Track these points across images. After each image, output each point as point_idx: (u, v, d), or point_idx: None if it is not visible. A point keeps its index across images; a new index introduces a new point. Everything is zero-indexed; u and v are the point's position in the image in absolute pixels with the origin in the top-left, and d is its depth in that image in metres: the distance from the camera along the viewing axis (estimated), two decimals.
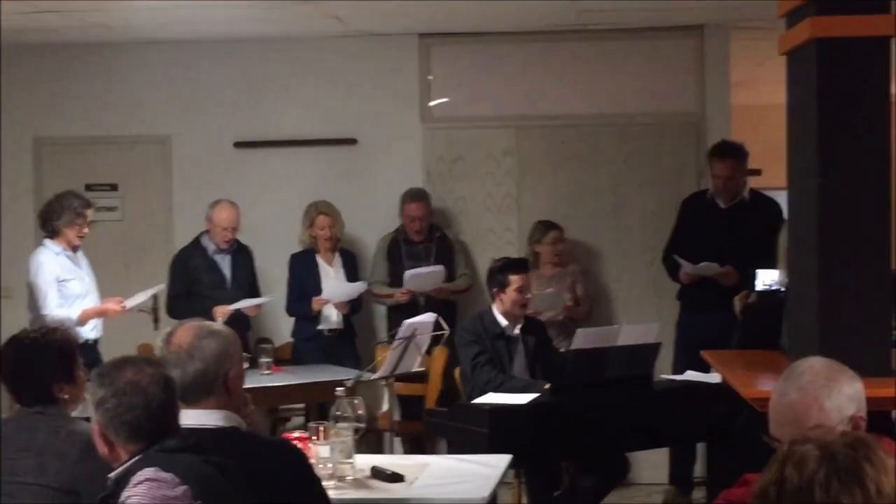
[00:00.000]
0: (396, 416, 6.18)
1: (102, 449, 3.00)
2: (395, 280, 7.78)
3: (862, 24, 4.56)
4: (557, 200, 8.23)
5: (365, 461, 4.62)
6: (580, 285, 7.87)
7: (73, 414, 3.90)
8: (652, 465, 7.65)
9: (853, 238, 4.66)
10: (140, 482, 2.83)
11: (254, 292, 7.65)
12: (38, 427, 3.73)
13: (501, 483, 4.65)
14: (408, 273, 7.57)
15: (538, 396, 6.00)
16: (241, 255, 7.66)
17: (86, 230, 7.07)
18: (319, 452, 4.47)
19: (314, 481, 3.57)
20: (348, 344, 7.81)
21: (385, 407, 6.59)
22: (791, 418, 2.92)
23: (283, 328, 8.03)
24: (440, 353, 6.97)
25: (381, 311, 8.24)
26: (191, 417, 3.24)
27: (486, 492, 4.37)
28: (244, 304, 7.33)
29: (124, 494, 2.82)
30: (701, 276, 7.23)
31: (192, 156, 8.52)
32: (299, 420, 7.71)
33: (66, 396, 3.82)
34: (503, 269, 6.52)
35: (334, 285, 7.64)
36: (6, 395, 3.97)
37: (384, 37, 8.26)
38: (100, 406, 2.95)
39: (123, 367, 2.97)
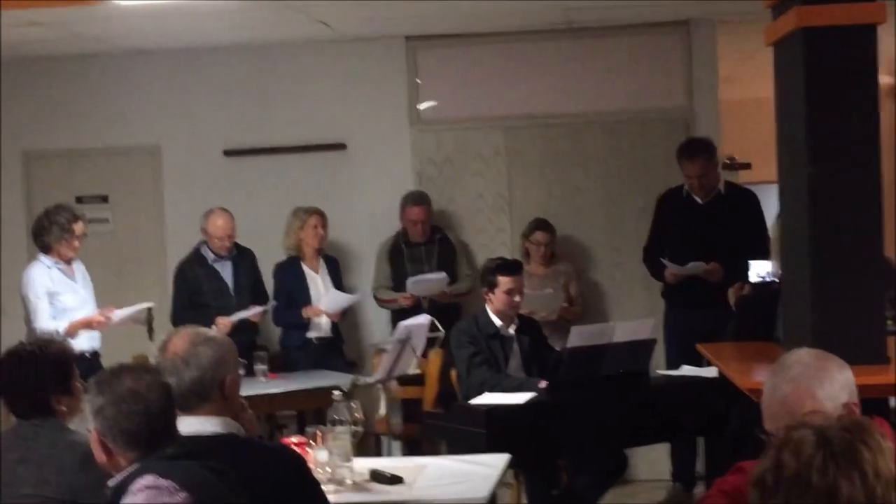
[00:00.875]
0: (396, 420, 6.18)
1: (101, 457, 2.99)
2: (398, 283, 7.78)
3: (848, 12, 4.57)
4: (548, 199, 8.24)
5: (363, 464, 4.62)
6: (573, 284, 7.89)
7: (71, 426, 3.90)
8: (651, 461, 7.66)
9: (844, 227, 4.67)
10: (140, 489, 2.82)
11: (258, 295, 7.63)
12: (37, 438, 3.73)
13: (501, 483, 4.65)
14: (410, 280, 7.57)
15: (535, 395, 6.00)
16: (242, 259, 7.64)
17: (76, 244, 7.04)
18: (318, 457, 4.47)
19: (314, 486, 3.57)
20: (337, 351, 7.81)
21: (382, 411, 6.60)
22: (785, 411, 2.92)
23: (268, 337, 8.01)
24: (436, 356, 6.97)
25: (367, 316, 8.23)
26: (189, 424, 3.23)
27: (485, 491, 4.38)
28: (242, 315, 7.31)
29: (124, 502, 2.82)
30: (686, 276, 7.23)
31: (182, 165, 8.52)
32: (296, 427, 7.69)
33: (63, 408, 3.82)
34: (494, 270, 6.53)
35: (331, 296, 7.61)
36: (3, 408, 3.97)
37: (371, 41, 8.26)
38: (98, 414, 2.95)
39: (122, 375, 2.97)
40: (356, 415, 4.69)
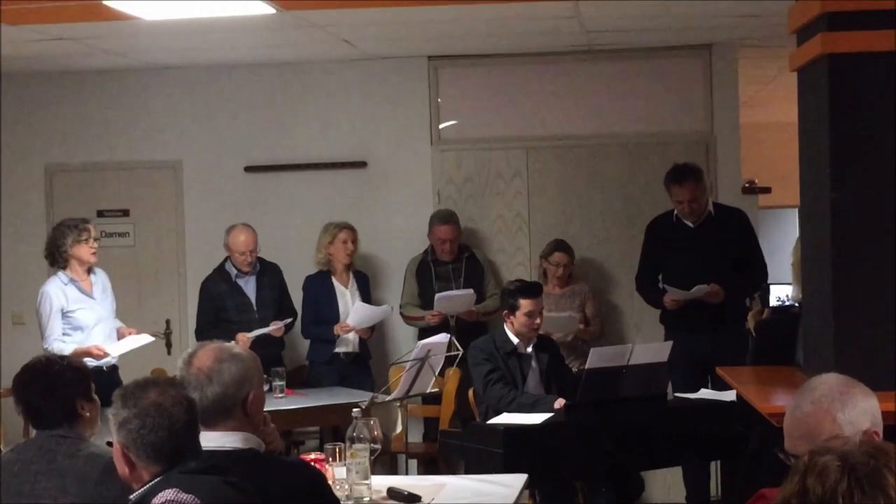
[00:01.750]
0: (413, 438, 6.18)
1: (123, 470, 3.00)
2: (426, 301, 7.79)
3: (873, 39, 4.56)
4: (568, 220, 8.25)
5: (381, 482, 4.63)
6: (590, 304, 7.88)
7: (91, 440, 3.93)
8: (666, 484, 7.65)
9: (866, 252, 4.66)
10: (161, 503, 2.84)
11: (284, 310, 7.64)
12: (58, 450, 3.75)
13: (517, 503, 4.65)
14: (438, 296, 7.58)
15: (552, 416, 6.00)
16: (266, 274, 7.66)
17: (95, 245, 7.00)
18: (336, 474, 4.48)
19: (332, 502, 3.58)
20: (363, 367, 7.82)
21: (399, 429, 6.60)
22: (805, 431, 2.93)
23: (298, 352, 8.03)
24: (454, 374, 6.98)
25: (396, 333, 8.25)
26: (210, 439, 3.24)
27: None
28: (262, 331, 7.32)
29: None
30: (686, 301, 7.20)
31: (203, 180, 8.55)
32: (313, 443, 7.71)
33: (87, 414, 3.85)
34: (514, 292, 6.54)
35: (360, 312, 7.61)
36: (22, 423, 4.01)
37: (393, 60, 8.30)
38: (123, 426, 2.95)
39: (147, 389, 2.98)
40: (375, 433, 4.69)
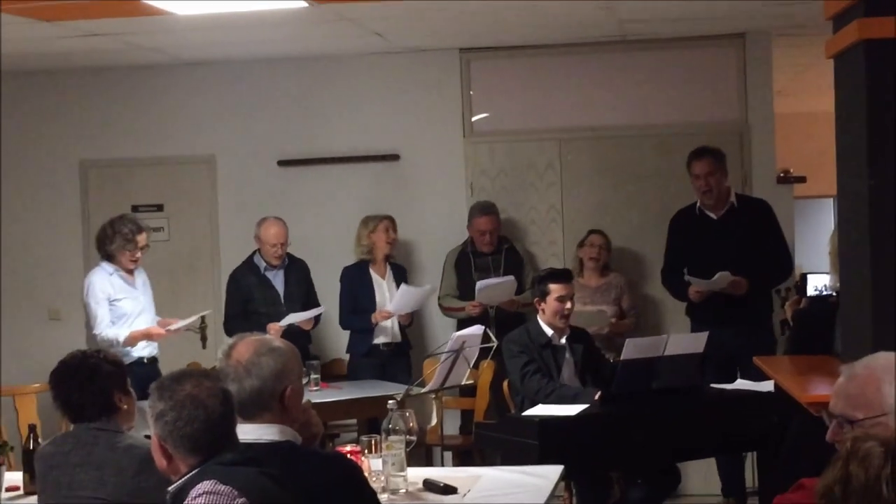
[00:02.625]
0: (449, 430, 6.18)
1: (161, 462, 3.02)
2: (465, 292, 7.78)
3: None
4: (602, 212, 8.22)
5: (417, 474, 4.63)
6: (626, 297, 7.86)
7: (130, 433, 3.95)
8: (703, 475, 7.61)
9: None
10: (199, 495, 2.85)
11: (311, 305, 7.65)
12: (96, 442, 3.78)
13: (553, 495, 4.63)
14: (480, 284, 7.56)
15: (588, 407, 5.99)
16: (294, 269, 7.70)
17: (138, 255, 7.18)
18: (372, 466, 4.49)
19: (369, 494, 3.57)
20: (403, 357, 7.83)
21: (434, 421, 6.60)
22: (849, 392, 2.93)
23: (332, 344, 8.05)
24: (488, 366, 6.97)
25: (435, 323, 8.24)
26: (247, 432, 3.24)
27: (539, 502, 4.37)
28: (293, 318, 7.35)
29: None
30: (711, 291, 7.17)
31: (237, 175, 8.58)
32: (349, 436, 7.72)
33: (125, 407, 3.89)
34: (544, 278, 6.54)
35: (404, 295, 7.59)
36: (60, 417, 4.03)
37: (425, 52, 8.29)
38: (159, 419, 2.97)
39: (183, 381, 2.99)
40: (411, 424, 4.69)
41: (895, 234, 4.62)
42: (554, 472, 4.79)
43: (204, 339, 7.49)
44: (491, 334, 6.07)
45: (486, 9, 6.87)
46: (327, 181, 8.46)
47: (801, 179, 8.44)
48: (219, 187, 8.62)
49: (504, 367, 6.60)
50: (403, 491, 4.46)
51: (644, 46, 8.16)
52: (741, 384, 6.64)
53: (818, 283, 7.01)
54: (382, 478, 4.47)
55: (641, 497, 6.45)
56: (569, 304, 6.49)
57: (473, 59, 8.38)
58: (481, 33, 7.82)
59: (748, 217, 7.30)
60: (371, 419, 6.90)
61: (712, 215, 7.31)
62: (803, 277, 7.65)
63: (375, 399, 6.57)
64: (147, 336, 7.09)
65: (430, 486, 4.51)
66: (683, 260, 7.33)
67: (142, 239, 7.18)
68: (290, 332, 7.26)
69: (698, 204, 7.36)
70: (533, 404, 6.16)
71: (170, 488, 2.99)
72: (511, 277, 7.64)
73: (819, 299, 6.58)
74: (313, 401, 6.60)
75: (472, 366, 6.17)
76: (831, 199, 5.34)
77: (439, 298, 7.94)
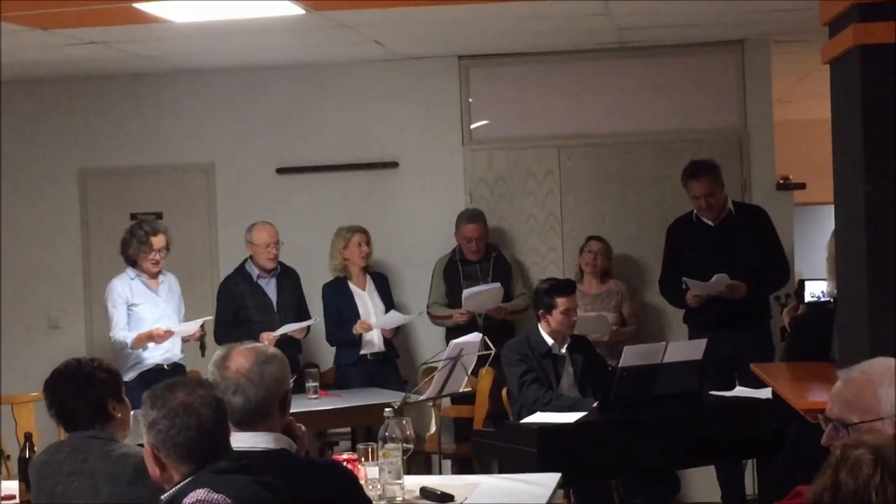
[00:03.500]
0: (446, 438, 6.17)
1: (154, 470, 3.01)
2: (453, 301, 7.78)
3: None
4: (600, 219, 8.21)
5: (414, 482, 4.62)
6: (627, 304, 7.85)
7: (124, 441, 3.94)
8: (702, 483, 7.60)
9: None
10: (192, 503, 2.84)
11: (301, 314, 7.65)
12: (90, 451, 3.77)
13: (551, 503, 4.62)
14: (466, 292, 7.56)
15: (586, 415, 5.98)
16: (286, 278, 7.69)
17: (156, 256, 7.22)
18: (369, 473, 4.48)
19: (365, 502, 3.57)
20: (391, 366, 7.82)
21: (433, 429, 6.60)
22: (845, 396, 2.96)
23: (327, 353, 8.04)
24: (487, 374, 6.96)
25: (422, 333, 8.23)
26: (241, 440, 3.25)
27: None
28: (288, 328, 7.35)
29: None
30: (708, 296, 7.15)
31: (236, 183, 8.58)
32: (347, 444, 7.71)
33: (119, 415, 3.88)
34: (550, 291, 6.52)
35: (391, 318, 7.63)
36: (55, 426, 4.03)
37: (424, 60, 8.29)
38: (152, 427, 2.96)
39: (175, 389, 2.99)
40: (408, 432, 4.68)
41: (892, 241, 4.61)
42: (552, 479, 4.77)
43: (203, 347, 7.49)
44: (488, 342, 6.06)
45: (484, 16, 6.87)
46: (326, 189, 8.46)
47: (801, 186, 8.43)
48: (217, 195, 8.62)
49: (502, 374, 6.59)
50: (400, 499, 4.45)
51: (643, 53, 8.16)
52: (740, 391, 6.63)
53: (816, 289, 7.00)
54: (379, 486, 4.45)
55: None
56: (575, 317, 6.50)
57: (472, 67, 8.38)
58: (480, 40, 7.82)
59: (745, 224, 7.29)
60: (368, 427, 6.89)
61: (709, 223, 7.31)
62: (801, 284, 7.65)
63: (374, 407, 6.55)
64: (150, 338, 7.10)
65: (427, 493, 4.50)
66: (681, 268, 7.33)
67: (157, 241, 7.22)
68: (282, 342, 7.25)
69: (695, 211, 7.36)
70: (530, 413, 6.15)
71: (163, 497, 2.99)
72: (497, 284, 7.64)
73: (816, 305, 6.58)
74: (312, 408, 6.70)
75: (470, 373, 6.16)
76: (831, 206, 5.31)
77: (428, 307, 7.93)
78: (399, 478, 4.47)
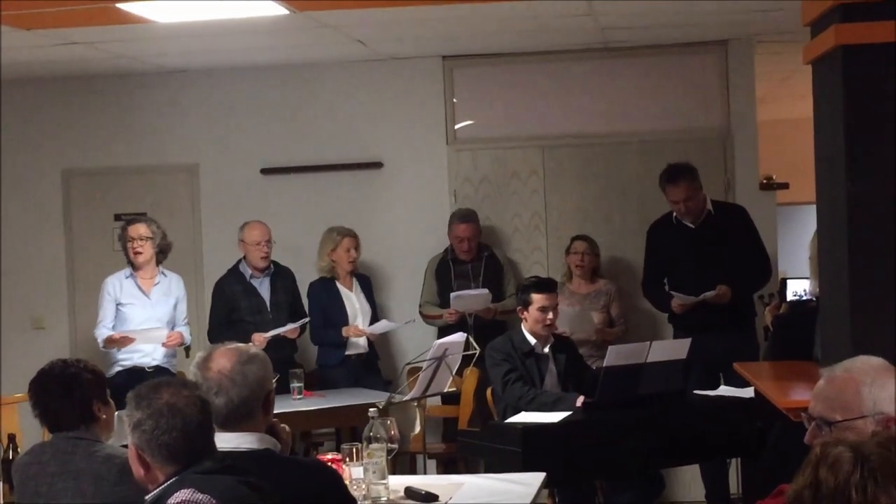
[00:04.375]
0: (431, 438, 6.17)
1: (139, 471, 3.01)
2: (445, 301, 7.77)
3: (887, 29, 4.54)
4: (584, 218, 8.23)
5: (399, 482, 4.62)
6: (615, 304, 7.85)
7: (108, 442, 3.94)
8: (687, 482, 7.62)
9: (883, 244, 4.63)
10: (176, 503, 2.84)
11: (296, 313, 7.65)
12: (75, 451, 3.77)
13: (535, 502, 4.63)
14: (453, 295, 7.58)
15: (571, 414, 5.99)
16: (280, 277, 7.68)
17: (136, 246, 7.26)
18: (353, 473, 4.48)
19: (349, 502, 3.58)
20: (373, 368, 7.82)
21: (417, 429, 6.60)
22: (828, 395, 2.98)
23: (307, 355, 8.03)
24: (471, 374, 6.97)
25: (402, 333, 8.22)
26: (226, 440, 3.25)
27: None
28: (279, 331, 7.34)
29: None
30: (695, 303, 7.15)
31: (220, 183, 8.57)
32: (333, 444, 7.70)
33: (103, 416, 3.88)
34: (527, 287, 6.55)
35: (382, 326, 7.67)
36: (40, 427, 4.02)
37: (408, 60, 8.30)
38: (137, 428, 2.96)
39: (160, 390, 2.99)
40: (392, 432, 4.69)
41: (873, 240, 4.64)
42: (536, 479, 4.78)
43: (188, 348, 7.49)
44: (473, 342, 6.07)
45: (468, 16, 6.88)
46: (310, 189, 8.46)
47: (784, 186, 8.46)
48: (201, 195, 8.61)
49: (486, 374, 6.60)
50: (385, 499, 4.45)
51: (626, 54, 8.18)
52: (724, 390, 6.64)
53: (798, 288, 7.02)
54: (364, 486, 4.46)
55: (625, 503, 6.45)
56: (551, 315, 6.49)
57: (456, 67, 8.39)
58: (464, 41, 7.82)
59: (726, 224, 7.29)
60: (353, 427, 6.89)
61: (689, 224, 7.30)
62: (783, 283, 7.67)
63: (359, 407, 6.55)
64: (113, 342, 7.10)
65: (411, 493, 4.50)
66: (663, 270, 7.34)
67: (134, 230, 7.26)
68: (275, 341, 7.26)
69: (675, 213, 7.36)
70: (515, 412, 6.16)
71: (147, 497, 2.98)
72: (486, 291, 7.64)
73: (799, 304, 6.61)
74: (297, 409, 6.69)
75: (454, 373, 6.17)
76: (814, 206, 5.33)
77: (420, 306, 7.94)
78: (384, 478, 4.47)
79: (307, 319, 7.59)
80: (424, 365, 5.94)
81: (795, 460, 2.78)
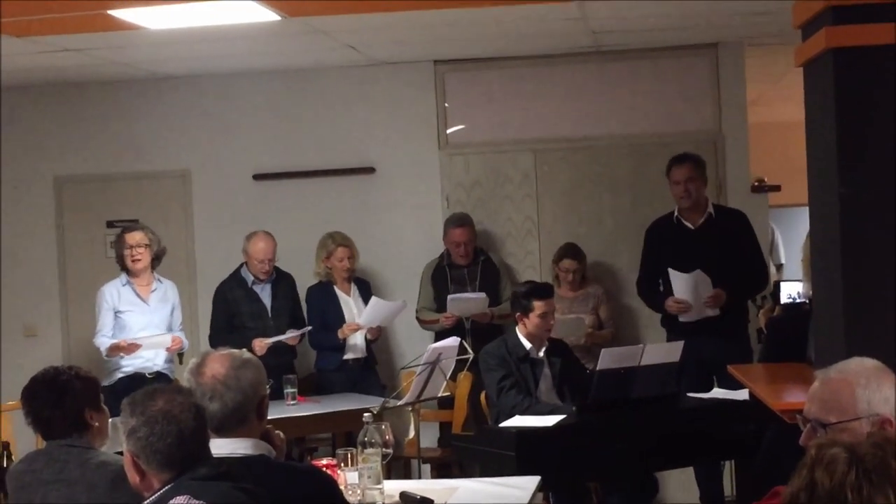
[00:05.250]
0: (426, 442, 6.17)
1: (134, 478, 3.01)
2: (441, 305, 7.77)
3: (878, 32, 4.54)
4: (577, 222, 8.24)
5: (394, 486, 4.62)
6: (603, 307, 7.87)
7: (102, 449, 3.93)
8: (681, 484, 7.62)
9: (876, 247, 4.64)
10: None
11: (297, 319, 7.65)
12: (68, 459, 3.75)
13: None
14: (450, 298, 7.58)
15: (565, 417, 5.99)
16: (281, 283, 7.69)
17: (133, 253, 7.27)
18: (348, 479, 4.48)
19: None
20: (371, 371, 7.82)
21: (412, 434, 6.59)
22: (823, 396, 2.99)
23: (308, 359, 8.03)
24: (465, 378, 6.96)
25: (401, 337, 8.23)
26: (220, 446, 3.25)
27: None
28: (281, 338, 7.34)
29: None
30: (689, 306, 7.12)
31: (212, 189, 8.57)
32: (327, 450, 7.70)
33: (96, 424, 3.87)
34: (527, 294, 6.52)
35: (375, 308, 7.56)
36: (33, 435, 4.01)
37: (400, 65, 8.30)
38: (132, 435, 2.96)
39: (155, 396, 2.99)
40: (387, 437, 4.69)
41: (866, 242, 4.64)
42: (531, 482, 4.79)
43: (181, 354, 7.49)
44: (467, 346, 6.07)
45: (459, 21, 6.88)
46: (303, 195, 8.46)
47: (776, 188, 8.47)
48: (194, 202, 8.60)
49: (480, 378, 6.60)
50: None
51: (617, 57, 8.19)
52: (718, 393, 6.65)
53: (791, 290, 7.03)
54: (359, 491, 4.45)
55: None
56: (552, 321, 6.51)
57: (448, 71, 8.39)
58: (455, 45, 7.83)
59: (726, 227, 7.28)
60: (348, 433, 6.89)
61: (690, 225, 7.30)
62: (777, 285, 7.68)
63: (353, 412, 6.54)
64: (119, 349, 7.10)
65: (406, 498, 4.50)
66: (660, 271, 7.34)
67: (130, 237, 7.28)
68: (276, 347, 7.26)
69: (676, 213, 7.36)
70: (509, 418, 6.15)
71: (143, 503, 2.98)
72: (482, 295, 7.65)
73: (792, 307, 6.62)
74: (291, 414, 6.69)
75: (448, 377, 6.17)
76: (806, 208, 5.34)
77: (416, 311, 7.94)
78: (378, 483, 4.47)
79: (309, 328, 7.58)
80: (418, 370, 5.94)
81: (790, 462, 2.79)
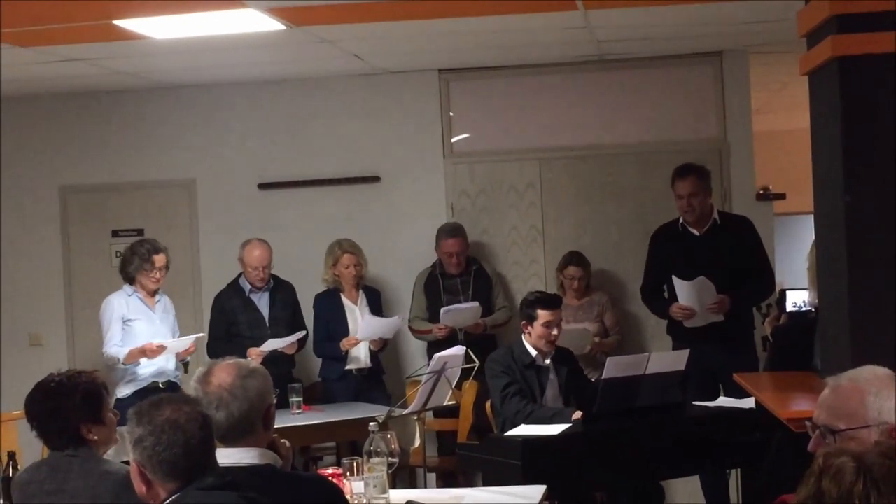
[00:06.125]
0: (431, 451, 6.16)
1: (140, 488, 3.00)
2: (434, 315, 7.76)
3: (884, 40, 4.53)
4: (582, 230, 8.24)
5: (400, 496, 4.61)
6: (609, 314, 7.87)
7: (107, 457, 3.93)
8: (687, 493, 7.61)
9: (882, 255, 4.63)
10: None
11: (297, 327, 7.64)
12: (71, 469, 3.75)
13: None
14: (444, 310, 7.57)
15: (570, 426, 5.99)
16: (279, 291, 7.68)
17: (157, 275, 7.30)
18: (354, 488, 4.48)
19: None
20: (377, 382, 7.81)
21: (417, 442, 6.59)
22: (833, 402, 2.99)
23: (312, 368, 8.03)
24: (471, 387, 6.96)
25: (408, 347, 8.24)
26: (227, 455, 3.25)
27: None
28: (274, 344, 7.33)
29: None
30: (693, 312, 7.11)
31: (217, 198, 8.57)
32: (332, 459, 7.70)
33: (95, 438, 3.85)
34: (533, 303, 6.52)
35: (369, 323, 7.60)
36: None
37: (404, 74, 8.31)
38: (138, 444, 2.96)
39: (161, 406, 2.99)
40: (392, 446, 4.68)
41: (872, 250, 4.64)
42: (536, 491, 4.78)
43: (186, 363, 7.49)
44: (472, 355, 6.06)
45: (464, 30, 6.89)
46: (308, 203, 8.46)
47: (781, 196, 8.46)
48: (199, 211, 8.61)
49: (486, 387, 6.60)
50: None
51: (622, 66, 8.19)
52: (724, 401, 6.63)
53: (797, 299, 7.01)
54: (364, 500, 4.45)
55: None
56: (555, 331, 6.49)
57: (453, 80, 8.40)
58: (460, 54, 7.84)
59: (731, 234, 7.27)
60: (353, 442, 6.88)
61: (695, 232, 7.28)
62: (782, 293, 7.66)
63: (358, 421, 6.55)
64: (142, 353, 7.11)
65: None
66: (664, 277, 7.32)
67: (159, 259, 7.28)
68: (273, 357, 7.25)
69: (681, 220, 7.35)
70: (513, 426, 6.14)
71: None
72: (476, 304, 7.65)
73: (798, 315, 6.59)
74: (296, 423, 6.69)
75: (454, 386, 6.16)
76: (811, 216, 5.34)
77: (409, 320, 7.93)
78: (384, 492, 4.47)
79: (303, 333, 7.58)
80: (424, 378, 5.94)
81: (796, 471, 2.79)
